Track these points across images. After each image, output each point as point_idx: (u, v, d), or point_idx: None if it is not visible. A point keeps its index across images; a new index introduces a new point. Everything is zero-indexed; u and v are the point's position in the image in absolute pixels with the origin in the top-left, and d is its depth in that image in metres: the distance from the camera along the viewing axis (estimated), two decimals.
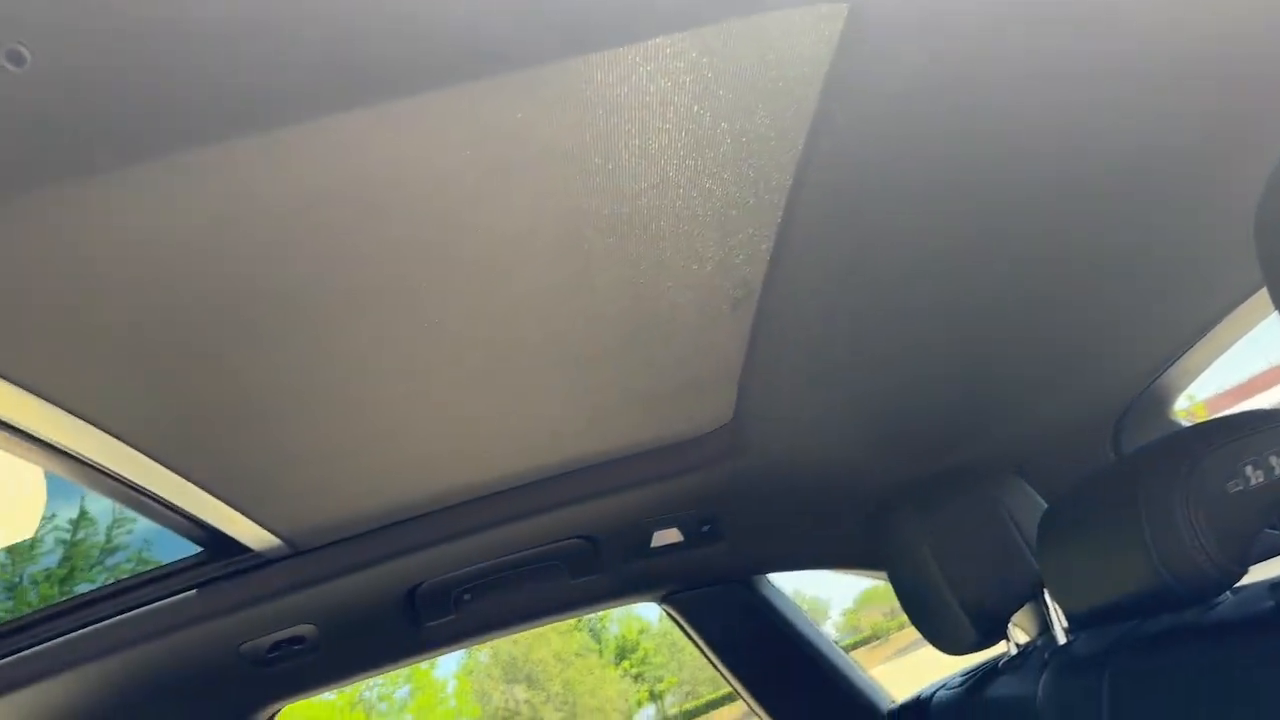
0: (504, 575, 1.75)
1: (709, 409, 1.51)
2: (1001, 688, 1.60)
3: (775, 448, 1.62)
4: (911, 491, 1.63)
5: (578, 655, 29.58)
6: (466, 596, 1.76)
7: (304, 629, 1.64)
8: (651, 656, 31.65)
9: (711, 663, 1.99)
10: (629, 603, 1.92)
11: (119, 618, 1.52)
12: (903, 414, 1.61)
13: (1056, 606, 1.50)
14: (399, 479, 1.42)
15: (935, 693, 1.83)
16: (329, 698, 20.83)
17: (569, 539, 1.73)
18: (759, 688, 1.96)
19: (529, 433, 1.41)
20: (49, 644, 1.50)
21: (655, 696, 31.39)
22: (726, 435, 1.59)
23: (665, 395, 1.41)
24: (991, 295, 1.32)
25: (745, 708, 2.02)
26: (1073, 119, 0.99)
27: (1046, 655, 1.47)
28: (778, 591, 2.00)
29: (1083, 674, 1.31)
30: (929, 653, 1.71)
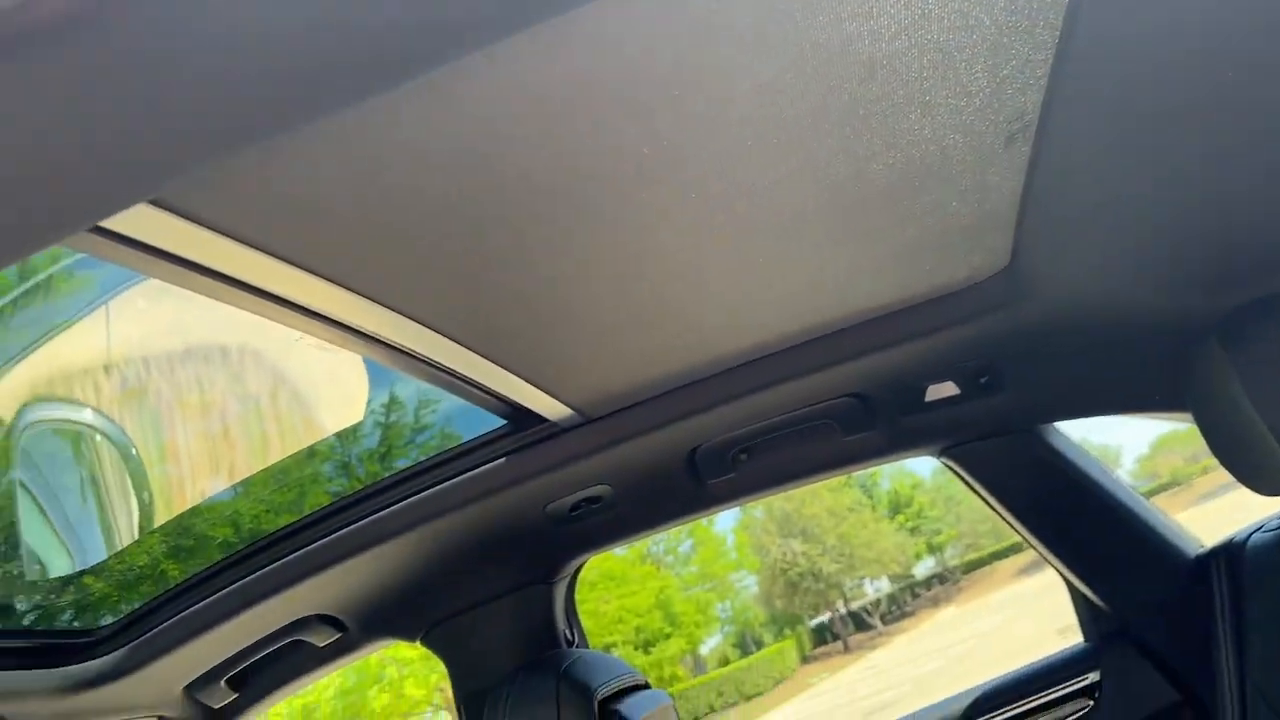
0: (778, 435, 1.79)
1: (984, 254, 1.44)
2: None
3: (1059, 289, 1.52)
4: (1218, 324, 1.49)
5: (850, 510, 29.96)
6: (743, 456, 1.82)
7: (600, 489, 1.77)
8: (927, 510, 31.51)
9: (1000, 515, 1.95)
10: (904, 457, 1.90)
11: (440, 486, 1.71)
12: (1206, 240, 1.45)
13: None
14: (678, 347, 1.48)
15: (1251, 535, 1.70)
16: (620, 553, 22.48)
17: (840, 397, 1.73)
18: (1052, 537, 1.90)
19: (799, 293, 1.41)
20: (384, 512, 1.71)
21: (934, 549, 31.33)
22: (1004, 280, 1.51)
23: (936, 243, 1.36)
24: None
25: (1031, 557, 1.98)
26: None
27: None
28: (1066, 439, 1.91)
29: None
30: (1239, 497, 1.58)
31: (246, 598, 1.73)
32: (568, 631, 2.02)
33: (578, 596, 2.16)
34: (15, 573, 2.26)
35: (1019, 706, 1.87)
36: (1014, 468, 1.88)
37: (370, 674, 15.56)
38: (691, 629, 26.44)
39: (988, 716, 1.87)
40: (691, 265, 1.22)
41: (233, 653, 1.82)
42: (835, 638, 29.09)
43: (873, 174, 1.10)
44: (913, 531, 31.00)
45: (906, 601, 30.17)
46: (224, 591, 1.73)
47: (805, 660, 28.04)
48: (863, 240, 1.30)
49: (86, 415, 2.37)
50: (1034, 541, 1.93)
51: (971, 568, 29.97)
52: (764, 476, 1.87)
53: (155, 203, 0.80)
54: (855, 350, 1.61)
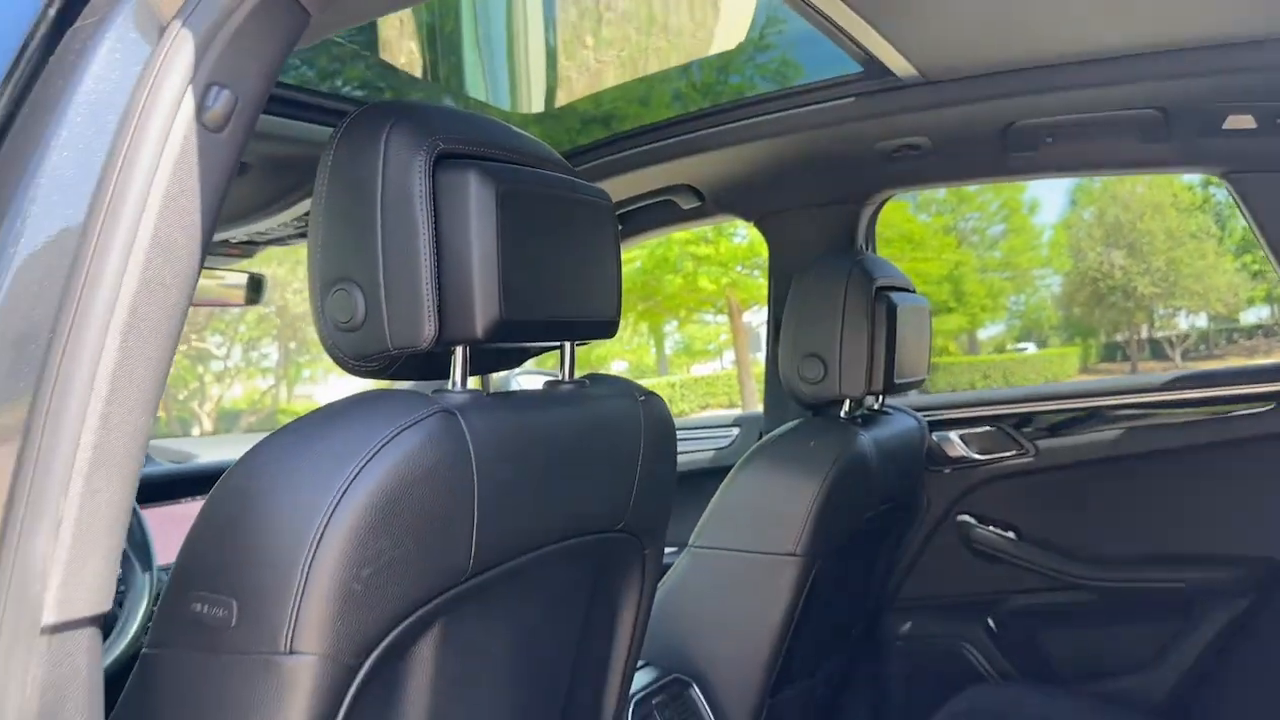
0: (1082, 129, 2.07)
1: None
2: None
3: None
4: None
5: (1192, 237, 27.31)
6: (1049, 140, 2.13)
7: (920, 140, 2.17)
8: None
9: (1264, 250, 2.19)
10: (1188, 171, 2.17)
11: (793, 111, 2.16)
12: None
13: None
14: (1021, 29, 1.73)
15: None
16: (925, 220, 22.20)
17: (1147, 109, 2.00)
18: None
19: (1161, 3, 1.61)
20: (750, 119, 2.22)
21: (1273, 300, 28.39)
22: None
23: None
24: None
25: None
26: None
27: None
28: None
29: None
30: None
31: (640, 161, 2.36)
32: (863, 247, 2.57)
33: None
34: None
35: None
36: None
37: (670, 263, 17.12)
38: (976, 311, 26.23)
39: None
40: None
41: (624, 197, 2.51)
42: (1126, 359, 28.04)
43: None
44: (1255, 275, 28.05)
45: (1218, 344, 28.13)
46: (635, 150, 2.34)
47: (1084, 370, 27.45)
48: None
49: None
50: None
51: None
52: (1061, 161, 2.20)
53: None
54: (1175, 73, 1.84)
